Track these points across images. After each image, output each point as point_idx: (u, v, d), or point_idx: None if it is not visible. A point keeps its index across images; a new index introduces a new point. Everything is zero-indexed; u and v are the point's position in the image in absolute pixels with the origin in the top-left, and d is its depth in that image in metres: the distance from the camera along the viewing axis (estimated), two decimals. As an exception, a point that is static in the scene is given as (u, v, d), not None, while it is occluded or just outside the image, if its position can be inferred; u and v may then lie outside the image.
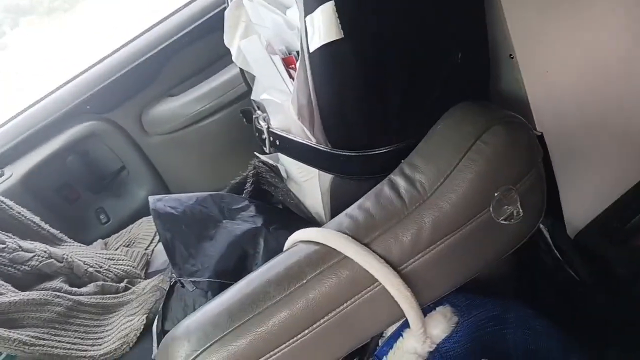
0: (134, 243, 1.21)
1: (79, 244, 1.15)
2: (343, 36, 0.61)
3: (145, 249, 1.17)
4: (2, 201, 1.03)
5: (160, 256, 1.17)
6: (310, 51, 0.65)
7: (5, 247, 0.95)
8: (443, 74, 0.69)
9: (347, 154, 0.71)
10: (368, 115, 0.68)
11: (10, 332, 0.83)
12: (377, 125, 0.69)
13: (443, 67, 0.68)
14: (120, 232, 1.28)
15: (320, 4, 0.61)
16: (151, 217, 1.29)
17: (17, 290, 0.91)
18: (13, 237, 0.99)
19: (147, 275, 1.12)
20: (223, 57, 1.28)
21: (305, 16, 0.64)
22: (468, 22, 0.70)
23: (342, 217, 0.67)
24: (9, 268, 0.94)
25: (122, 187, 1.40)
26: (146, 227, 1.25)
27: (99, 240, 1.26)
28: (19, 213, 1.05)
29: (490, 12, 0.71)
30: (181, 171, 1.40)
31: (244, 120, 1.12)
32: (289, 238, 0.69)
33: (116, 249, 1.18)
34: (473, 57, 0.71)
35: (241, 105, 1.22)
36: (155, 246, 1.20)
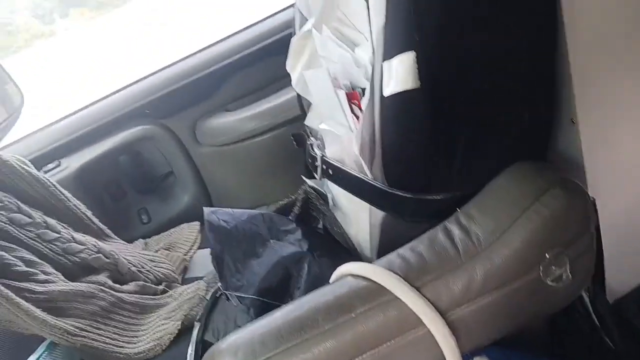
0: (173, 247, 1.25)
1: (123, 242, 1.20)
2: (419, 86, 0.64)
3: (185, 255, 1.21)
4: (61, 192, 1.08)
5: (198, 263, 1.21)
6: (384, 95, 0.68)
7: (60, 237, 1.00)
8: (508, 132, 0.71)
9: (403, 194, 0.74)
10: (430, 161, 0.71)
11: (57, 319, 0.87)
12: (438, 172, 0.72)
13: (509, 125, 0.70)
14: (161, 234, 1.33)
15: (400, 53, 0.65)
16: (192, 223, 1.35)
17: (66, 280, 0.95)
18: (67, 228, 1.04)
19: (184, 281, 1.16)
20: (281, 79, 1.33)
21: (383, 61, 0.68)
22: (536, 82, 0.72)
23: (393, 257, 0.69)
24: (61, 258, 0.98)
25: (167, 191, 1.45)
26: (187, 233, 1.29)
27: (140, 240, 1.31)
28: (75, 205, 1.10)
29: (557, 73, 0.74)
30: (226, 184, 1.44)
31: (294, 143, 1.16)
32: (338, 268, 0.71)
33: (156, 251, 1.22)
34: (537, 118, 0.73)
35: (293, 128, 1.26)
36: (194, 253, 1.24)
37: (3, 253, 0.88)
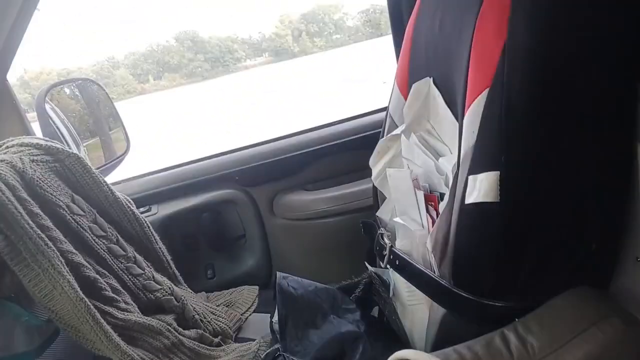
0: (232, 306, 1.33)
1: (191, 291, 1.29)
2: (498, 200, 0.73)
3: (242, 315, 1.29)
4: (152, 233, 1.21)
5: (252, 326, 1.28)
6: (465, 203, 0.77)
7: (143, 274, 1.11)
8: (573, 257, 0.77)
9: (467, 296, 0.79)
10: (499, 269, 0.77)
11: (128, 347, 0.95)
12: (504, 280, 0.78)
13: (575, 251, 0.77)
14: (222, 291, 1.41)
15: (486, 170, 0.74)
16: (252, 287, 1.43)
17: (140, 313, 1.05)
18: (150, 267, 1.15)
19: (237, 339, 1.22)
20: (359, 171, 1.45)
21: (470, 174, 0.77)
22: (605, 219, 0.79)
23: (450, 351, 0.74)
24: (140, 292, 1.08)
25: (235, 252, 1.56)
26: (246, 294, 1.37)
27: (203, 293, 1.40)
28: (160, 248, 1.22)
29: (626, 214, 0.80)
30: (289, 255, 1.54)
31: (362, 230, 1.25)
32: (395, 354, 0.76)
33: (217, 306, 1.31)
34: (603, 251, 0.79)
35: (362, 216, 1.35)
36: (250, 315, 1.31)
37: (98, 277, 0.99)
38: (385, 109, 1.23)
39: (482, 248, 0.78)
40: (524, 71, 0.70)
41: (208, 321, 1.18)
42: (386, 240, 1.07)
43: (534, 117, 0.71)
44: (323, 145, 1.49)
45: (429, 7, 1.02)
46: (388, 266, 1.06)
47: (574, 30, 0.70)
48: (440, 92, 0.97)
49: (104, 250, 1.05)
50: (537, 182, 0.73)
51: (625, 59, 0.71)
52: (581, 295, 0.75)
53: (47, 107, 1.42)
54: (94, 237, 1.03)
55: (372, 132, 1.44)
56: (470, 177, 0.76)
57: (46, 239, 0.89)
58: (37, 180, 0.95)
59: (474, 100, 0.76)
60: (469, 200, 0.76)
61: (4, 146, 1.03)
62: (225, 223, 1.54)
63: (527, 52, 0.70)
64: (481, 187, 0.74)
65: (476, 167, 0.76)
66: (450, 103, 0.93)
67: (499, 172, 0.72)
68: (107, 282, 1.02)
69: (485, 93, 0.74)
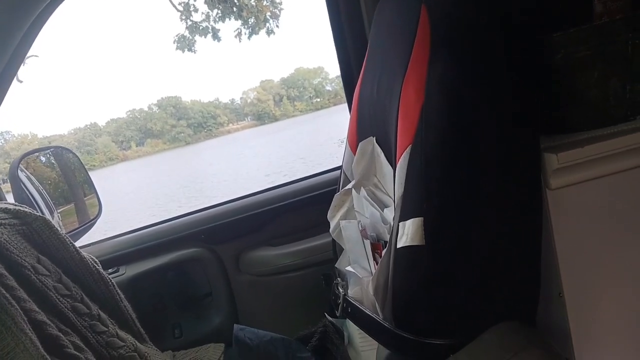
0: (198, 363, 1.34)
1: (156, 348, 1.31)
2: (424, 244, 0.80)
3: (207, 371, 1.30)
4: (118, 292, 1.25)
5: (217, 382, 1.29)
6: (397, 247, 0.84)
7: (107, 331, 1.13)
8: (499, 295, 0.84)
9: (406, 336, 0.85)
10: (432, 309, 0.84)
11: (88, 404, 0.97)
12: (438, 320, 0.84)
13: (500, 289, 0.84)
14: (189, 349, 1.43)
15: (413, 217, 0.82)
16: (218, 344, 1.45)
17: (102, 370, 1.07)
18: (114, 324, 1.18)
19: (201, 396, 1.24)
20: (321, 225, 1.53)
21: (400, 221, 0.85)
22: (526, 258, 0.87)
23: (389, 388, 0.79)
24: (103, 349, 1.11)
25: (202, 311, 1.58)
26: (212, 351, 1.39)
27: (169, 351, 1.41)
28: (125, 307, 1.26)
29: (545, 253, 0.88)
30: (256, 310, 1.57)
31: (324, 282, 1.31)
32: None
33: (182, 363, 1.32)
34: (527, 287, 0.86)
35: (324, 269, 1.41)
36: (215, 371, 1.33)
37: (60, 335, 1.02)
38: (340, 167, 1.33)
39: (415, 289, 0.85)
40: (437, 128, 0.80)
41: (172, 378, 1.20)
42: (340, 290, 1.13)
43: (449, 168, 0.80)
44: (286, 202, 1.57)
45: (369, 74, 1.14)
46: (343, 314, 1.11)
47: (478, 90, 0.82)
48: (382, 150, 1.07)
49: (67, 309, 1.08)
50: (458, 226, 0.82)
51: (523, 113, 0.82)
52: (506, 329, 0.81)
53: (22, 174, 1.49)
54: (58, 296, 1.07)
55: (331, 188, 1.53)
56: (400, 224, 0.84)
57: (10, 298, 0.93)
58: (3, 243, 1.00)
59: (401, 155, 0.86)
60: (400, 244, 0.83)
61: (-27, 211, 1.09)
62: (191, 281, 1.58)
63: (439, 112, 0.81)
64: (409, 232, 0.82)
65: (404, 214, 0.84)
66: (389, 159, 1.03)
67: (422, 218, 0.80)
68: (70, 340, 1.04)
69: (408, 149, 0.84)
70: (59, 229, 1.15)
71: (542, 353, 0.75)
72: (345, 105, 1.53)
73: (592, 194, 0.85)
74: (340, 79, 1.60)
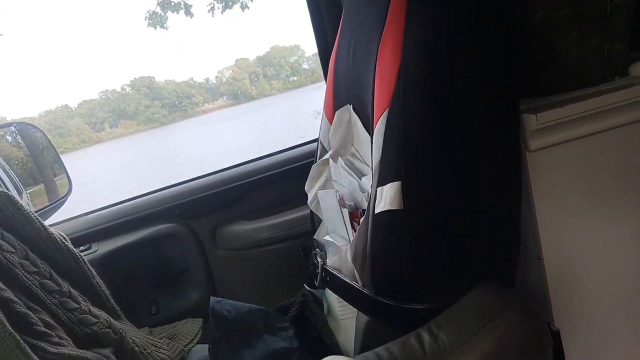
0: (175, 338, 1.32)
1: (131, 325, 1.29)
2: (403, 208, 0.79)
3: (185, 346, 1.28)
4: (89, 269, 1.21)
5: (196, 357, 1.27)
6: (375, 212, 0.83)
7: (79, 308, 1.10)
8: (479, 255, 0.83)
9: (386, 302, 0.84)
10: (412, 274, 0.83)
11: (60, 382, 0.94)
12: (418, 284, 0.83)
13: (479, 250, 0.83)
14: (166, 326, 1.41)
15: (391, 181, 0.80)
16: (196, 319, 1.43)
17: (75, 347, 1.04)
18: (87, 301, 1.15)
19: (179, 371, 1.22)
20: (298, 198, 1.50)
21: (377, 187, 0.83)
22: (505, 220, 0.86)
23: (369, 355, 0.78)
24: (75, 326, 1.07)
25: (179, 287, 1.56)
26: (190, 326, 1.37)
27: (146, 328, 1.39)
28: (97, 283, 1.22)
29: (524, 215, 0.88)
30: (234, 285, 1.55)
31: (302, 254, 1.29)
32: (320, 360, 0.80)
33: (160, 339, 1.30)
34: (507, 248, 0.86)
35: (302, 241, 1.40)
36: (193, 347, 1.31)
37: (29, 312, 0.99)
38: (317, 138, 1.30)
39: (395, 255, 0.83)
40: (414, 89, 0.78)
41: (148, 353, 1.17)
42: (319, 259, 1.11)
43: (427, 131, 0.79)
44: (262, 175, 1.54)
45: (344, 41, 1.11)
46: (322, 284, 1.10)
47: (458, 52, 0.79)
48: (360, 117, 1.05)
49: (35, 286, 1.04)
50: (436, 189, 0.80)
51: (501, 72, 0.81)
52: (486, 292, 0.81)
53: (-15, 154, 1.43)
54: (25, 273, 1.03)
55: (308, 160, 1.50)
56: (378, 189, 0.82)
57: (-27, 276, 0.89)
58: (-36, 220, 0.95)
59: (378, 119, 0.84)
60: (378, 209, 0.82)
61: None
62: (167, 258, 1.55)
63: (417, 73, 0.78)
64: (387, 197, 0.80)
65: (382, 179, 0.82)
66: (366, 126, 1.00)
67: (400, 182, 0.79)
68: (39, 318, 1.00)
69: (386, 113, 0.81)
70: (22, 205, 1.11)
71: (521, 312, 0.75)
72: (324, 82, 1.50)
73: (570, 155, 0.85)
74: (318, 57, 1.56)
